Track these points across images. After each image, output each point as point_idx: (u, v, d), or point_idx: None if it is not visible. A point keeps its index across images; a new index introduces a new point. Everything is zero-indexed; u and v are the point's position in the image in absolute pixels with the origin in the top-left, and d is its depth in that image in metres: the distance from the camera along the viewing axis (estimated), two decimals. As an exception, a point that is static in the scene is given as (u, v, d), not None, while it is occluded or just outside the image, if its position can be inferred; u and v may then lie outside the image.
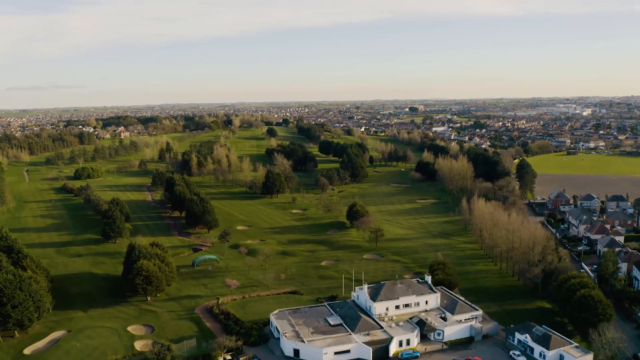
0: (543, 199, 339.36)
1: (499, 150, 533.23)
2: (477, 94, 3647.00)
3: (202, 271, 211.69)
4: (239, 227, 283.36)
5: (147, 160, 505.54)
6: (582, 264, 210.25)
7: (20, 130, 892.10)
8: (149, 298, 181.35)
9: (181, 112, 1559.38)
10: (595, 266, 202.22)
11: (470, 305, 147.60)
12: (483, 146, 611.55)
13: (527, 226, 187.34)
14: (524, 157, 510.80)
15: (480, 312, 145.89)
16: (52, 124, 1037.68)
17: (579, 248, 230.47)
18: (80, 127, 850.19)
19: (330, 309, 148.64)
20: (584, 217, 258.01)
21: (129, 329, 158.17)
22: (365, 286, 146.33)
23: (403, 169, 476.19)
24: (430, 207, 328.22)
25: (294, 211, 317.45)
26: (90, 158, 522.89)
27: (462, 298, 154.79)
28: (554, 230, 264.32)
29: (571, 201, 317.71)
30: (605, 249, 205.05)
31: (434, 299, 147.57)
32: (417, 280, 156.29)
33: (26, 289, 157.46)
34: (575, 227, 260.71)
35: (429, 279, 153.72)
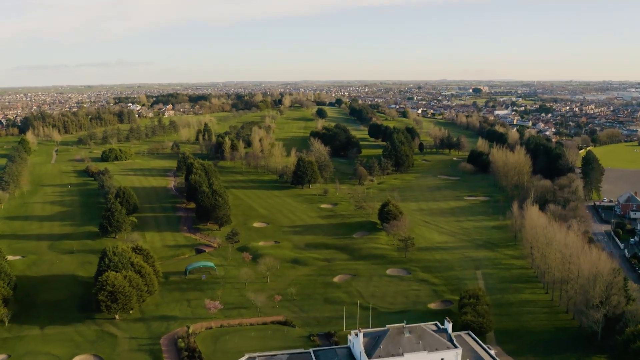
0: (610, 200, 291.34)
1: (563, 139, 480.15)
2: (545, 75, 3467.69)
3: (194, 281, 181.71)
4: (256, 224, 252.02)
5: (183, 142, 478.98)
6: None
7: (76, 106, 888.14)
8: (117, 316, 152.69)
9: (241, 89, 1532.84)
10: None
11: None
12: (547, 133, 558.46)
13: (588, 252, 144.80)
14: (591, 148, 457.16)
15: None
16: (107, 101, 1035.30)
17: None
18: (129, 105, 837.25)
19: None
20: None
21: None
22: (361, 335, 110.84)
23: (455, 158, 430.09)
24: (479, 206, 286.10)
25: (322, 206, 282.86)
26: (124, 138, 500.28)
27: (492, 353, 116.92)
28: (622, 246, 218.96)
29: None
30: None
31: (452, 357, 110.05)
32: (434, 325, 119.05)
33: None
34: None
35: (449, 326, 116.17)
